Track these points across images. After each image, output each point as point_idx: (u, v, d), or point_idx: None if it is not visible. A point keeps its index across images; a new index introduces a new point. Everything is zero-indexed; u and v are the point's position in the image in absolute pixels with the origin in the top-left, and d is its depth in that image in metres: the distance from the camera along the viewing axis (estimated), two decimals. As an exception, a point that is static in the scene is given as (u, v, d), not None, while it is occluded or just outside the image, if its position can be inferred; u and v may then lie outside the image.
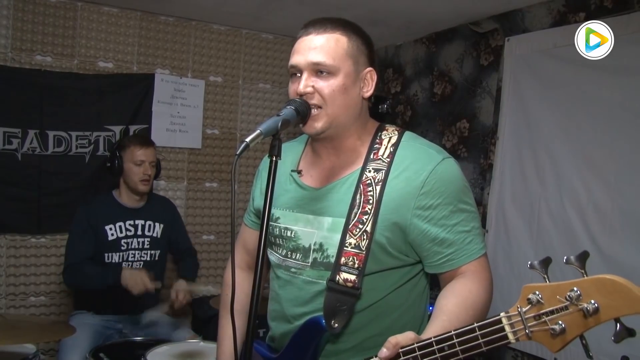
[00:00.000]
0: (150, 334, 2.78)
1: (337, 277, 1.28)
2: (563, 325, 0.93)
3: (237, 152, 1.11)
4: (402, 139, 1.37)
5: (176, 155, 3.82)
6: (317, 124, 1.31)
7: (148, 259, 2.92)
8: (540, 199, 2.92)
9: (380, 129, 1.41)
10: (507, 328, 1.00)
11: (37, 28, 3.31)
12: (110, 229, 2.82)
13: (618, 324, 0.90)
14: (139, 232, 2.89)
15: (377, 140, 1.38)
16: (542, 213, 2.91)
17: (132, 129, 3.59)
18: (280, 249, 1.43)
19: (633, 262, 2.44)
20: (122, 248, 2.84)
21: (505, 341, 1.00)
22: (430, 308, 1.27)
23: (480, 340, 1.02)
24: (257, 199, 1.56)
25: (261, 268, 1.17)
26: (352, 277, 1.27)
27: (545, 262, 0.98)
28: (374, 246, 1.28)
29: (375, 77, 1.38)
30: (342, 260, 1.29)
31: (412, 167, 1.30)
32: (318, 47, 1.30)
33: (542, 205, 2.91)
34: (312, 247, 1.35)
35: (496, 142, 3.22)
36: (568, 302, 0.92)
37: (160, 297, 3.10)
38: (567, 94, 2.82)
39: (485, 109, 3.36)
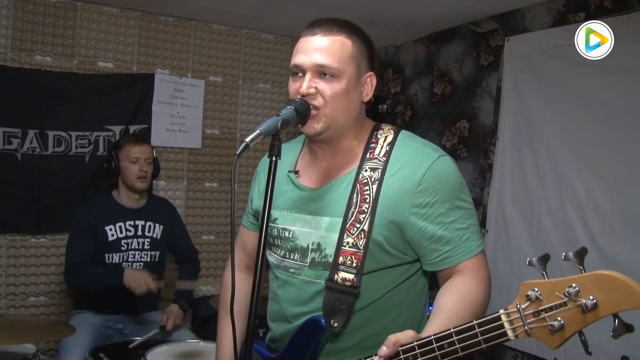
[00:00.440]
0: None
1: (336, 276, 1.28)
2: (562, 322, 0.93)
3: (237, 152, 1.11)
4: (398, 138, 1.37)
5: (176, 155, 3.82)
6: (317, 125, 1.31)
7: (148, 259, 2.91)
8: (540, 199, 2.92)
9: (376, 129, 1.42)
10: (507, 325, 1.00)
11: (37, 28, 3.32)
12: (110, 229, 2.82)
13: (616, 320, 0.90)
14: (139, 233, 2.89)
15: (373, 140, 1.38)
16: (542, 213, 2.91)
17: (132, 129, 3.59)
18: (279, 250, 1.43)
19: (633, 262, 2.44)
20: (122, 248, 2.84)
21: (505, 338, 1.00)
22: (430, 308, 1.27)
23: (480, 338, 1.02)
24: (256, 201, 1.56)
25: (261, 268, 1.16)
26: (351, 276, 1.27)
27: (544, 259, 0.99)
28: (371, 245, 1.28)
29: (375, 82, 1.39)
30: (340, 259, 1.29)
31: (408, 165, 1.30)
32: (323, 48, 1.30)
33: (542, 205, 2.91)
34: (310, 247, 1.36)
35: (496, 142, 3.22)
36: (566, 298, 0.93)
37: (160, 297, 3.10)
38: (567, 94, 2.82)
39: (485, 109, 3.36)
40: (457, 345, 1.04)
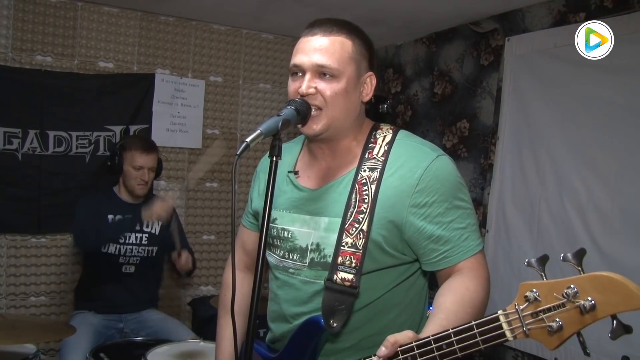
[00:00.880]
0: (151, 334, 2.78)
1: (335, 276, 1.28)
2: (560, 323, 0.93)
3: (238, 152, 1.11)
4: (397, 137, 1.37)
5: (176, 155, 3.82)
6: (317, 126, 1.31)
7: (145, 254, 2.93)
8: (540, 199, 2.92)
9: (375, 129, 1.42)
10: (505, 326, 1.00)
11: (37, 28, 3.32)
12: (112, 219, 2.84)
13: (615, 321, 0.90)
14: (137, 227, 2.89)
15: (372, 140, 1.38)
16: (542, 213, 2.91)
17: (133, 129, 3.59)
18: (278, 250, 1.44)
19: (633, 262, 2.43)
20: (120, 241, 2.85)
21: (503, 339, 1.00)
22: (430, 308, 1.27)
23: (478, 339, 1.02)
24: (255, 201, 1.56)
25: (261, 268, 1.16)
26: (350, 276, 1.27)
27: (542, 260, 0.98)
28: (370, 245, 1.28)
29: (374, 82, 1.38)
30: (339, 259, 1.29)
31: (406, 164, 1.30)
32: (323, 49, 1.30)
33: (542, 205, 2.91)
34: (309, 247, 1.36)
35: (496, 142, 3.22)
36: (565, 300, 0.92)
37: (159, 297, 3.10)
38: (567, 94, 2.82)
39: (486, 109, 3.36)
40: (456, 346, 1.04)
